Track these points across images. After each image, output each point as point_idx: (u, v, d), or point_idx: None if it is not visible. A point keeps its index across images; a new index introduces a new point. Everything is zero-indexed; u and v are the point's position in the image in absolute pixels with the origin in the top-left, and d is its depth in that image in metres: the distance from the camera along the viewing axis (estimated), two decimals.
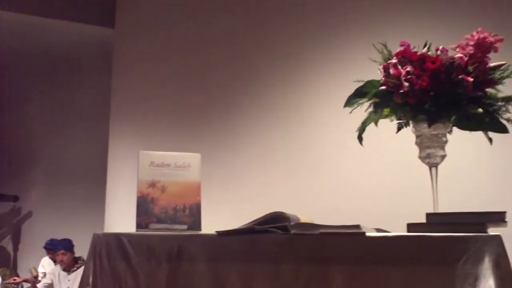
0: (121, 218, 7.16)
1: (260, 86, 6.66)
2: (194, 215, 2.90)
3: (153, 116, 7.24)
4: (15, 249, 10.76)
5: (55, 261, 8.84)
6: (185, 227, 2.90)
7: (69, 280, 7.49)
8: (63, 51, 10.27)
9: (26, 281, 8.98)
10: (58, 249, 7.68)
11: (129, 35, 7.78)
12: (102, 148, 8.27)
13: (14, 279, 8.98)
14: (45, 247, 8.97)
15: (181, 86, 7.13)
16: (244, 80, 6.74)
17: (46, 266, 9.06)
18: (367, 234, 2.37)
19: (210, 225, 2.99)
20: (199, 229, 2.92)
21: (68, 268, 7.50)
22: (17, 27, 9.25)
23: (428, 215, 2.44)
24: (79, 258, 7.54)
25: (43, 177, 10.47)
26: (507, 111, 2.69)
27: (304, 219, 2.71)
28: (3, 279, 7.94)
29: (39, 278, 8.95)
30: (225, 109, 6.75)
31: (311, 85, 6.36)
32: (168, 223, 2.88)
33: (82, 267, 7.12)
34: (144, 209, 2.88)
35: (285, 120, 6.42)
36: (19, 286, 8.76)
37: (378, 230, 2.66)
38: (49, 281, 7.58)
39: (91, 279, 2.88)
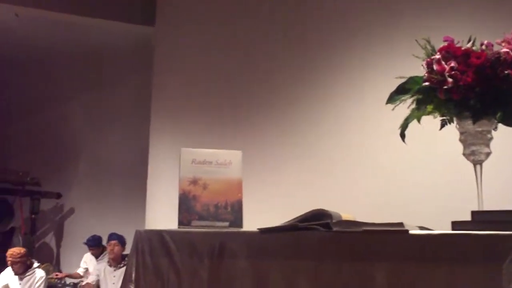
0: (162, 215, 7.20)
1: (300, 83, 6.64)
2: (235, 212, 2.91)
3: (194, 113, 7.27)
4: (58, 245, 10.92)
5: (97, 257, 8.94)
6: (226, 224, 2.90)
7: (114, 276, 7.56)
8: (105, 50, 10.38)
9: (69, 276, 9.10)
10: (112, 239, 7.73)
11: (170, 33, 7.83)
12: (143, 146, 8.33)
13: (56, 275, 9.11)
14: (86, 243, 9.08)
15: (221, 83, 7.15)
16: (284, 77, 6.73)
17: (88, 262, 9.17)
18: (410, 232, 2.34)
19: (251, 222, 2.99)
20: (241, 226, 2.92)
21: (116, 263, 7.56)
22: (59, 27, 9.39)
23: (473, 213, 2.40)
24: (126, 255, 7.61)
25: (85, 174, 10.60)
26: None
27: (346, 216, 2.69)
28: (46, 275, 8.06)
29: (81, 274, 9.07)
30: (266, 106, 6.75)
31: (353, 81, 6.32)
32: (210, 220, 2.89)
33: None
34: (186, 206, 2.89)
35: (326, 116, 6.39)
36: (62, 281, 8.88)
37: (421, 228, 2.63)
38: (96, 277, 7.67)
39: (133, 275, 2.90)
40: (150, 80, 8.21)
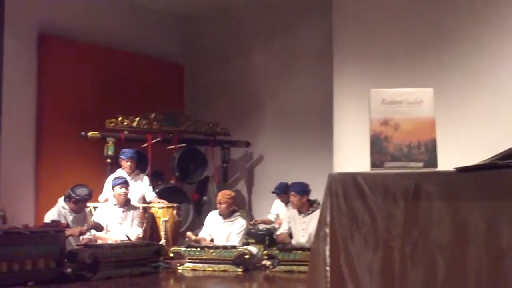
0: (349, 159, 7.20)
1: (486, 22, 6.29)
2: (429, 152, 2.82)
3: (377, 54, 7.13)
4: (249, 192, 11.32)
5: (286, 204, 9.15)
6: (421, 164, 2.82)
7: (304, 223, 7.70)
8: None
9: (262, 222, 9.39)
10: (290, 190, 7.91)
11: None
12: (328, 90, 8.33)
13: (256, 221, 9.44)
14: (274, 192, 9.32)
15: (405, 21, 6.93)
16: (474, 11, 6.39)
17: (278, 208, 9.41)
18: None
19: (446, 161, 2.89)
20: (436, 166, 2.83)
21: (303, 211, 7.70)
22: None
23: None
24: (314, 201, 7.71)
25: (272, 122, 10.82)
26: None
27: None
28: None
29: (273, 219, 9.33)
30: (455, 41, 6.46)
31: None
32: (403, 161, 2.83)
33: (317, 210, 7.28)
34: (378, 148, 2.84)
35: None
36: (255, 227, 9.19)
37: None
38: (287, 225, 7.85)
39: (328, 218, 2.93)
40: (331, 24, 8.15)
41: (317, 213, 6.24)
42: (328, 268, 2.86)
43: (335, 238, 2.88)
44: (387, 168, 2.84)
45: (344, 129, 7.59)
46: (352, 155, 6.96)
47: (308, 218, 7.71)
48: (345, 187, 2.87)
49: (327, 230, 2.90)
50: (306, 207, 7.78)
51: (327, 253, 2.86)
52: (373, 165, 2.85)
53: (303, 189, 7.80)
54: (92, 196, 7.59)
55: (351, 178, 2.85)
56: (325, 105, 8.86)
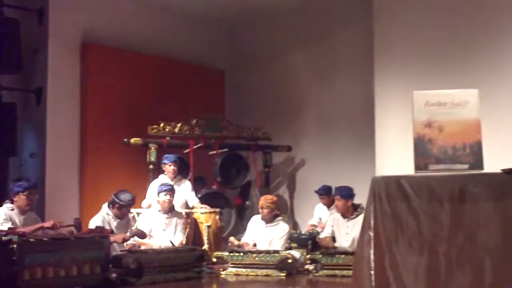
0: (392, 162, 7.15)
1: None
2: (475, 154, 2.78)
3: (418, 56, 7.07)
4: (291, 196, 11.29)
5: (328, 207, 9.11)
6: (466, 166, 2.79)
7: (347, 227, 7.64)
8: (325, 1, 10.43)
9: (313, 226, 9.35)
10: (335, 194, 7.85)
11: None
12: (368, 93, 8.28)
13: (313, 225, 9.41)
14: (317, 192, 9.27)
15: (447, 21, 6.85)
16: None
17: (320, 212, 9.37)
18: None
19: (492, 163, 2.84)
20: (482, 168, 2.79)
21: (347, 215, 7.65)
22: None
23: None
24: (359, 205, 7.65)
25: (313, 126, 10.78)
26: None
27: None
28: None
29: (316, 224, 9.30)
30: (500, 40, 6.35)
31: None
32: (448, 163, 2.79)
33: (361, 215, 7.21)
34: (422, 150, 2.82)
35: None
36: (298, 231, 9.14)
37: None
38: (330, 229, 7.81)
39: (372, 222, 2.91)
40: (371, 27, 8.10)
41: (361, 218, 6.16)
42: (372, 272, 2.84)
43: (379, 241, 2.86)
44: (432, 171, 2.81)
45: (386, 132, 7.54)
46: (394, 159, 6.91)
47: (352, 223, 7.65)
48: (389, 190, 2.85)
49: (371, 234, 2.88)
50: (350, 211, 7.72)
51: (372, 256, 2.84)
52: (417, 168, 2.82)
53: (348, 193, 7.74)
54: (135, 201, 7.66)
55: (395, 181, 2.83)
56: (367, 108, 8.79)
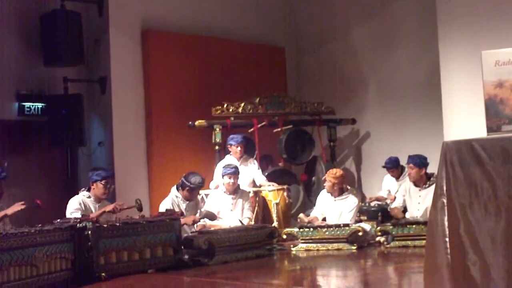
0: (460, 126, 6.97)
1: None
2: None
3: (483, 16, 6.82)
4: (358, 169, 11.19)
5: (397, 178, 8.99)
6: None
7: (420, 196, 7.52)
8: None
9: (377, 200, 9.26)
10: (408, 163, 7.67)
11: None
12: (432, 59, 8.10)
13: (370, 198, 9.33)
14: (384, 167, 9.15)
15: None
16: None
17: (389, 184, 9.27)
18: None
19: None
20: None
21: (420, 184, 7.52)
22: None
23: None
24: (432, 175, 7.50)
25: (377, 97, 10.61)
26: None
27: None
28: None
29: (385, 196, 9.20)
30: None
31: None
32: None
33: (434, 184, 7.06)
34: (494, 112, 2.73)
35: None
36: (367, 204, 9.07)
37: None
38: (401, 199, 7.71)
39: (445, 188, 2.84)
40: None
41: (434, 187, 6.07)
42: (447, 239, 2.78)
43: (453, 207, 2.78)
44: (505, 132, 2.71)
45: (453, 96, 7.33)
46: (464, 123, 6.72)
47: (424, 192, 7.53)
48: (460, 155, 2.77)
49: (444, 200, 2.81)
50: (423, 180, 7.59)
51: (446, 223, 2.78)
52: (489, 130, 2.74)
53: (421, 161, 7.59)
54: (205, 183, 7.72)
55: (467, 145, 2.75)
56: (431, 74, 8.61)
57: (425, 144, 8.47)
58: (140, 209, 6.81)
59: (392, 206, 7.94)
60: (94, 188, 6.82)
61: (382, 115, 10.58)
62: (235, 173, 7.97)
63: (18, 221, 6.04)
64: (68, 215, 6.51)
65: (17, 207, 5.72)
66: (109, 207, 6.66)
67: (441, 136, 7.58)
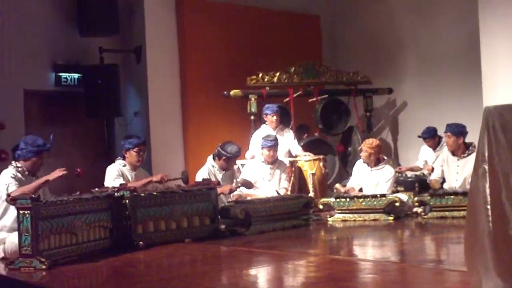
0: (500, 93, 6.84)
1: None
2: None
3: None
4: (394, 140, 11.09)
5: (434, 149, 8.90)
6: None
7: (458, 166, 7.40)
8: None
9: (410, 169, 9.19)
10: (446, 131, 7.55)
11: None
12: (471, 26, 7.93)
13: (399, 168, 9.25)
14: (421, 137, 9.05)
15: None
16: None
17: (426, 154, 9.17)
18: None
19: None
20: None
21: (458, 154, 7.40)
22: None
23: None
24: (471, 144, 7.36)
25: (414, 67, 10.47)
26: None
27: None
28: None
29: (421, 166, 9.12)
30: None
31: None
32: None
33: (473, 154, 6.94)
34: None
35: None
36: (403, 175, 8.99)
37: None
38: (440, 170, 7.61)
39: (486, 154, 2.77)
40: None
41: (472, 157, 5.94)
42: (489, 206, 2.72)
43: (495, 174, 2.72)
44: None
45: (493, 62, 7.19)
46: (504, 91, 6.60)
47: (463, 162, 7.40)
48: (503, 120, 2.69)
49: (486, 167, 2.75)
50: (462, 149, 7.44)
51: (487, 190, 2.72)
52: None
53: (459, 130, 7.43)
54: (241, 153, 7.70)
55: (510, 110, 2.67)
56: (470, 42, 8.45)
57: (464, 114, 8.33)
58: (186, 181, 6.81)
59: (431, 177, 7.84)
60: (127, 157, 6.82)
61: (420, 85, 10.44)
62: (274, 145, 7.89)
63: (58, 191, 6.09)
64: (108, 182, 6.54)
65: (59, 172, 5.75)
66: (156, 177, 6.68)
67: (480, 106, 7.44)
